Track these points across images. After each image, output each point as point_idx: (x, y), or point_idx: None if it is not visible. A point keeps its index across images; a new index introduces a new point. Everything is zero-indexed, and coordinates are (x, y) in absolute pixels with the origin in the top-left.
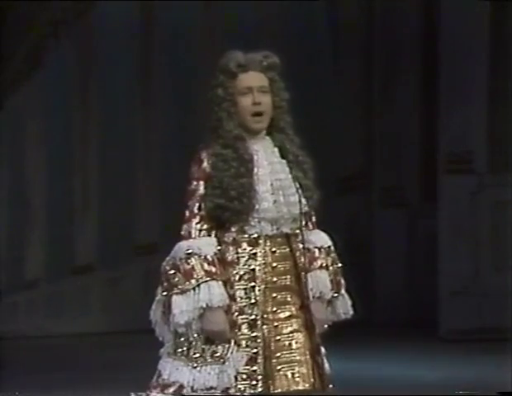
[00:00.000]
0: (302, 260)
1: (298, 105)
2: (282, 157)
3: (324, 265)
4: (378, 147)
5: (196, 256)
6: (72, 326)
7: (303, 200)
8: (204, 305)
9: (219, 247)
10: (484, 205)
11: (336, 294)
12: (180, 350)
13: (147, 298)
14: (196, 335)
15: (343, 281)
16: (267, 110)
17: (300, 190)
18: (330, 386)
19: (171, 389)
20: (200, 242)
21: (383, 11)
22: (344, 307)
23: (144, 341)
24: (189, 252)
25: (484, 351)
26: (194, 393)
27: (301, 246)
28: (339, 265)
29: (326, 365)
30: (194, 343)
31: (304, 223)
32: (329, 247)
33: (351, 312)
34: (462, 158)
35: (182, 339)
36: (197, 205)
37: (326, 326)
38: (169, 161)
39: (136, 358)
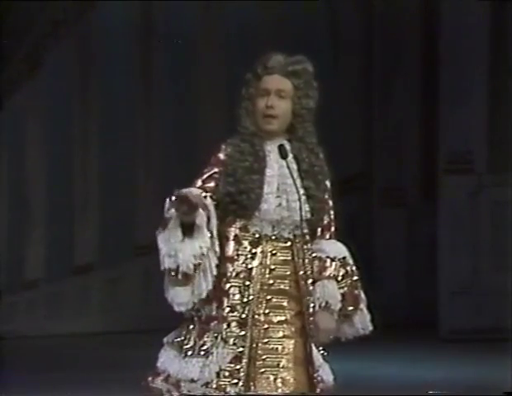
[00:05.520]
0: (309, 268)
1: None
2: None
3: (332, 275)
4: (378, 147)
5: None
6: (72, 326)
7: (305, 208)
8: (181, 194)
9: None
10: (484, 205)
11: (352, 308)
12: (178, 339)
13: (147, 298)
14: (191, 326)
15: (363, 296)
16: (281, 114)
17: (302, 199)
18: None
19: (160, 378)
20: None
21: (383, 10)
22: (363, 322)
23: (144, 341)
24: (179, 190)
25: (484, 351)
26: (179, 384)
27: (307, 253)
28: (355, 278)
29: (325, 377)
30: (188, 335)
31: (320, 231)
32: (343, 258)
33: (370, 327)
34: (462, 158)
35: (184, 331)
36: (204, 177)
37: (331, 337)
38: (169, 161)
39: (136, 358)
